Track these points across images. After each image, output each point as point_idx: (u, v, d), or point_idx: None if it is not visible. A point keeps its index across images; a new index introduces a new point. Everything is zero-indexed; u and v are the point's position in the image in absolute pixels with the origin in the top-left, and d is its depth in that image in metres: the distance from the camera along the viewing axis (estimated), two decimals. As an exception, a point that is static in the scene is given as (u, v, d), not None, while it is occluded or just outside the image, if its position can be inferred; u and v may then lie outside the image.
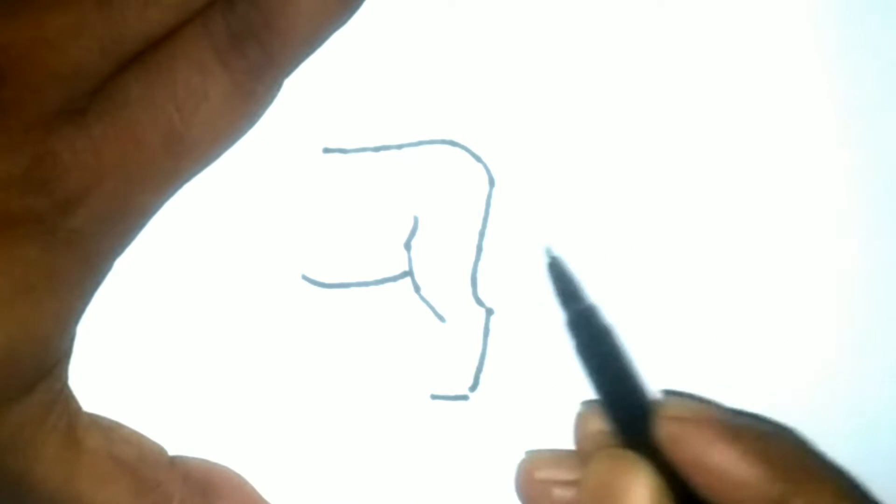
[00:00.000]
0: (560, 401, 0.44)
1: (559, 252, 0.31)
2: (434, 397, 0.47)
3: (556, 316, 0.31)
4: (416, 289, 0.48)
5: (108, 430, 0.28)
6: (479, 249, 0.48)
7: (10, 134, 0.23)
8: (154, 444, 0.29)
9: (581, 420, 0.31)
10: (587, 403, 0.31)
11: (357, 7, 0.25)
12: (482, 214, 0.48)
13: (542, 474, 0.32)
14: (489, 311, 0.48)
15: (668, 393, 0.30)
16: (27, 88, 0.23)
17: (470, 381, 0.47)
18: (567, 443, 0.38)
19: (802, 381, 0.47)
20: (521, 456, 0.37)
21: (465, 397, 0.47)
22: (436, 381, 0.47)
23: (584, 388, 0.41)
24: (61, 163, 0.23)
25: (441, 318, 0.48)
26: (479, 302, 0.48)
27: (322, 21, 0.25)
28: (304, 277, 0.47)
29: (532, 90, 0.48)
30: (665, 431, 0.29)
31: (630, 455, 0.29)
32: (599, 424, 0.31)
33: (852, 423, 0.47)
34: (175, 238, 0.45)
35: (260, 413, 0.46)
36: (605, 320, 0.31)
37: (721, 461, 0.28)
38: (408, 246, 0.48)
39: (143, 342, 0.46)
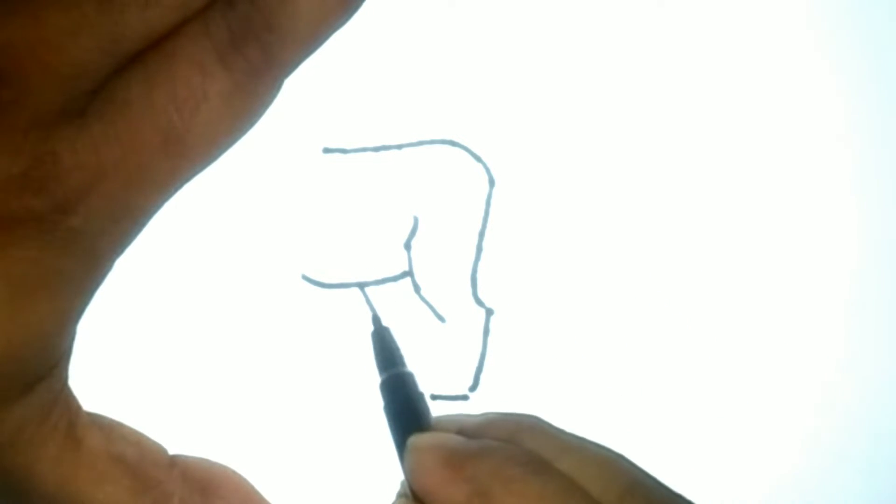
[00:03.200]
0: (560, 401, 0.44)
1: (386, 324, 0.36)
2: (434, 397, 0.47)
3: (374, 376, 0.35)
4: (416, 289, 0.48)
5: (108, 429, 0.28)
6: (479, 249, 0.48)
7: (10, 134, 0.23)
8: (154, 442, 0.29)
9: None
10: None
11: (357, 7, 0.25)
12: (482, 214, 0.48)
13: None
14: (489, 311, 0.48)
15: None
16: (27, 88, 0.23)
17: (470, 381, 0.47)
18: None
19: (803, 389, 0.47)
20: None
21: (465, 397, 0.47)
22: (436, 381, 0.47)
23: (583, 390, 0.41)
24: (61, 162, 0.23)
25: (441, 318, 0.48)
26: (479, 302, 0.48)
27: (323, 21, 0.25)
28: (304, 277, 0.47)
29: (532, 90, 0.48)
30: (406, 466, 0.32)
31: (405, 500, 0.32)
32: None
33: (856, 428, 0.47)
34: (175, 238, 0.45)
35: (260, 412, 0.46)
36: (417, 387, 0.35)
37: (434, 485, 0.31)
38: (408, 246, 0.48)
39: (143, 342, 0.46)
